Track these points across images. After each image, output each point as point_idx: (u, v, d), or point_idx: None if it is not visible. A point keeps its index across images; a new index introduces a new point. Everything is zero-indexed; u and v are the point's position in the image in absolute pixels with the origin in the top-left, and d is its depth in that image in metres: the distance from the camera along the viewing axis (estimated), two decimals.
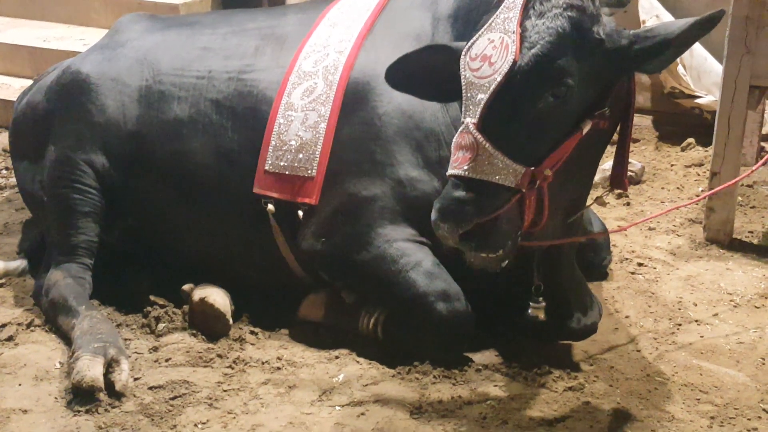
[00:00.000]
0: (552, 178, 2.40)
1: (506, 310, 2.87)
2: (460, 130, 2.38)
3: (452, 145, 2.40)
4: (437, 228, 2.38)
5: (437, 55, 2.61)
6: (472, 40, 2.45)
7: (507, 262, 2.46)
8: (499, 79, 2.33)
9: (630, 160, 4.11)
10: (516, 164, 2.33)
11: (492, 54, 2.37)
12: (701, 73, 4.42)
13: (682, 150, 4.43)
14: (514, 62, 2.33)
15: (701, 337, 2.94)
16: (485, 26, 2.44)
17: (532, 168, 2.35)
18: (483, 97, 2.35)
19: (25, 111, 3.43)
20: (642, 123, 4.65)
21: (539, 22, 2.38)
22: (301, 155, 2.89)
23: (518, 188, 2.35)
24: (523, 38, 2.36)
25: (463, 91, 2.41)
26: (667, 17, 4.52)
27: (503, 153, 2.32)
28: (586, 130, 2.45)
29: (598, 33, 2.43)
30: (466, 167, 2.33)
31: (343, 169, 2.87)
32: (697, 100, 4.40)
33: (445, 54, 2.57)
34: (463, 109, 2.41)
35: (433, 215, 2.37)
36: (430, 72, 2.60)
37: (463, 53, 2.45)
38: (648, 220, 3.64)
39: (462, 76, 2.42)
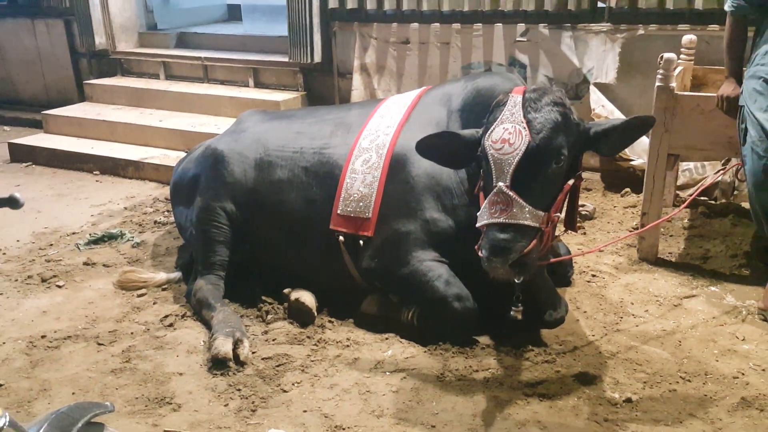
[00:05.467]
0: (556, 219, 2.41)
1: (499, 307, 2.85)
2: (493, 191, 2.33)
3: (486, 203, 2.35)
4: (490, 263, 2.29)
5: (448, 138, 2.61)
6: (489, 130, 2.43)
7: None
8: (521, 154, 2.32)
9: (585, 203, 4.13)
10: (537, 211, 2.33)
11: (509, 137, 2.36)
12: (635, 143, 4.38)
13: (621, 196, 4.37)
14: (529, 143, 2.34)
15: (636, 326, 2.92)
16: (497, 120, 2.43)
17: (546, 213, 2.37)
18: (509, 167, 2.33)
19: (180, 174, 3.52)
20: (593, 177, 4.61)
21: (538, 115, 2.39)
22: (361, 203, 2.92)
23: (540, 227, 2.34)
24: (530, 126, 2.37)
25: (491, 165, 2.37)
26: (609, 105, 4.52)
27: (528, 204, 2.32)
28: (571, 184, 2.48)
29: (574, 119, 2.47)
30: (505, 216, 2.29)
31: (389, 212, 2.88)
32: (632, 162, 4.36)
33: (454, 138, 2.59)
34: (492, 177, 2.35)
35: (485, 253, 2.30)
36: (443, 148, 2.60)
37: (485, 138, 2.43)
38: (603, 247, 3.57)
39: (488, 154, 2.39)
